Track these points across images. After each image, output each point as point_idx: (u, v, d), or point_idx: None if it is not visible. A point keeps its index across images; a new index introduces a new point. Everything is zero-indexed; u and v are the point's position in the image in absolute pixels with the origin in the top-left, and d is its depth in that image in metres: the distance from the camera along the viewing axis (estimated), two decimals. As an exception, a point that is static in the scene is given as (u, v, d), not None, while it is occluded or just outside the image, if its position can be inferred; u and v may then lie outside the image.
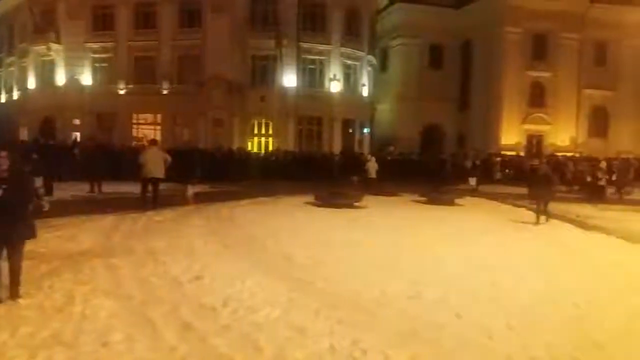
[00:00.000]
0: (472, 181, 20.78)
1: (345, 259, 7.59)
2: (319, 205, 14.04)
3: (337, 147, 30.17)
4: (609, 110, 36.23)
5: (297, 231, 9.95)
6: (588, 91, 35.49)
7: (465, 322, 4.89)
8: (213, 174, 20.21)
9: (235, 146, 27.24)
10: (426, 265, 7.29)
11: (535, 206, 12.05)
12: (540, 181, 11.94)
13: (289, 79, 29.61)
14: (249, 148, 28.62)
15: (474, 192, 19.18)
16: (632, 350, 4.35)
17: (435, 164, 26.53)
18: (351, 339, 4.34)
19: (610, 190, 18.45)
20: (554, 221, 12.05)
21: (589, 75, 35.30)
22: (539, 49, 34.49)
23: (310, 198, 14.88)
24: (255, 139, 30.15)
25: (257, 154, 27.44)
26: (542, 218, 11.77)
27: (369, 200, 14.95)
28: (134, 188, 13.74)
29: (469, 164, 23.35)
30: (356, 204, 14.29)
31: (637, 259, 8.27)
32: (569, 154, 30.50)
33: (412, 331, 4.61)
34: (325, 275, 6.55)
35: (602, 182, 17.94)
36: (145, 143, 18.72)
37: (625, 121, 35.88)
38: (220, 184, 19.36)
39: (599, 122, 36.35)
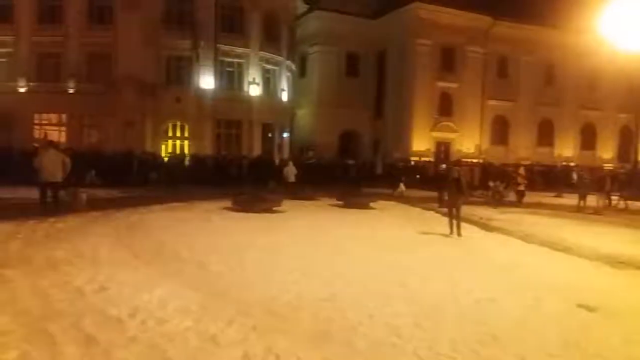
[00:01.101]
0: (402, 186, 21.52)
1: (262, 264, 7.55)
2: (236, 210, 13.86)
3: (257, 151, 30.00)
4: (509, 119, 39.14)
5: (213, 237, 9.74)
6: (491, 102, 38.09)
7: (376, 322, 5.05)
8: (112, 177, 19.33)
9: (148, 149, 26.18)
10: (341, 268, 7.43)
11: (447, 214, 11.27)
12: (451, 187, 11.18)
13: (206, 81, 28.97)
14: (163, 151, 27.62)
15: (400, 197, 19.90)
16: (524, 341, 4.69)
17: (342, 168, 27.05)
18: (265, 345, 4.33)
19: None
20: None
21: (492, 87, 37.91)
22: (448, 61, 36.49)
23: (227, 203, 14.65)
24: (170, 141, 29.13)
25: (170, 157, 26.48)
26: (456, 227, 10.89)
27: (288, 204, 15.00)
28: (32, 193, 12.70)
29: (379, 169, 24.21)
30: (275, 208, 14.28)
31: (532, 258, 8.99)
32: (474, 160, 32.55)
33: (326, 333, 4.68)
34: (241, 281, 6.47)
35: (522, 187, 19.20)
36: (38, 145, 17.31)
37: (522, 130, 39.00)
38: (131, 189, 18.52)
39: (501, 130, 39.13)
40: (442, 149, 36.58)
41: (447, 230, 10.94)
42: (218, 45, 29.09)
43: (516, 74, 38.72)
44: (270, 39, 31.43)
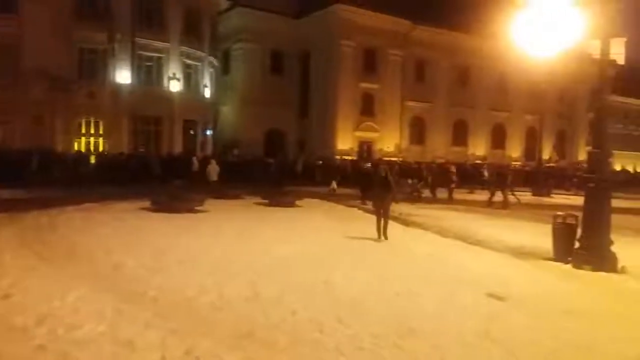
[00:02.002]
0: (334, 184, 21.66)
1: (182, 265, 7.33)
2: (154, 211, 13.36)
3: (177, 149, 29.08)
4: (426, 120, 40.89)
5: (130, 239, 9.33)
6: (410, 103, 39.59)
7: (299, 319, 5.07)
8: (9, 176, 18.05)
9: (58, 147, 24.54)
10: (265, 266, 7.40)
11: (375, 215, 10.51)
12: (378, 186, 10.39)
13: (123, 76, 27.61)
14: (75, 148, 25.98)
15: (332, 195, 20.06)
16: (441, 332, 4.92)
17: (262, 166, 26.90)
18: (185, 347, 4.21)
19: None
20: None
21: (411, 88, 39.40)
22: (370, 63, 37.41)
23: (144, 203, 14.09)
24: (83, 138, 27.47)
25: (75, 154, 24.72)
26: (383, 229, 10.23)
27: (210, 204, 14.69)
28: None
29: (299, 167, 24.31)
30: (197, 208, 13.93)
31: (448, 251, 9.45)
32: (394, 159, 33.64)
33: (248, 332, 4.64)
34: (159, 283, 6.24)
35: (453, 185, 20.13)
36: None
37: (439, 130, 40.94)
38: (33, 189, 17.30)
39: (418, 130, 40.81)
40: (365, 148, 37.48)
41: (370, 226, 11.05)
42: (136, 38, 27.82)
43: (433, 76, 40.50)
44: (192, 33, 30.58)
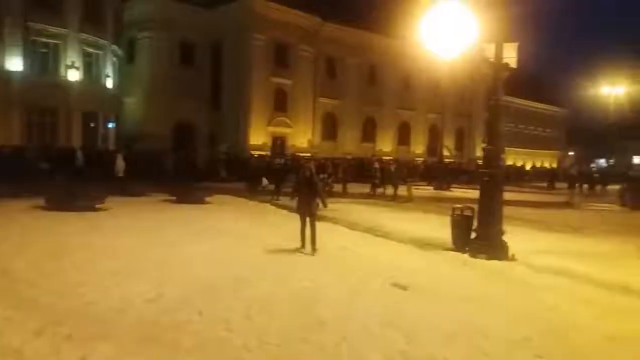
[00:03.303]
0: (264, 180, 21.02)
1: (80, 267, 6.87)
2: (51, 209, 12.40)
3: (77, 142, 27.15)
4: (338, 116, 41.74)
5: (21, 240, 8.59)
6: (322, 99, 40.16)
7: (206, 318, 4.96)
8: None
9: None
10: (171, 266, 7.15)
11: (299, 220, 8.84)
12: (302, 188, 8.82)
13: (14, 63, 25.25)
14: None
15: (263, 190, 19.56)
16: (348, 324, 5.04)
17: (161, 162, 25.79)
18: (81, 354, 3.96)
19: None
20: (291, 214, 13.19)
21: (322, 85, 39.97)
22: (282, 58, 37.36)
23: (39, 201, 13.02)
24: (-33, 131, 24.84)
25: None
26: (310, 240, 8.63)
27: (114, 201, 13.90)
28: None
29: (201, 162, 23.54)
30: (99, 206, 13.12)
31: (357, 243, 9.74)
32: (307, 155, 33.95)
33: (151, 335, 4.46)
34: (55, 288, 5.81)
35: (377, 180, 20.59)
36: None
37: (349, 126, 41.97)
38: None
39: (330, 126, 41.56)
40: (278, 144, 37.47)
41: (282, 220, 10.98)
42: (28, 22, 25.55)
43: (343, 74, 41.39)
44: (93, 20, 28.64)
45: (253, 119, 35.91)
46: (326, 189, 19.89)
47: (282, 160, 25.85)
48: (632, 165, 57.63)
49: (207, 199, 15.80)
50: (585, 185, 29.00)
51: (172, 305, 5.33)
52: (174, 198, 15.73)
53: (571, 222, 14.16)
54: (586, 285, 7.09)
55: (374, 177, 20.83)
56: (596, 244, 10.80)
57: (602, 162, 70.35)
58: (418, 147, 46.77)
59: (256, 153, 32.48)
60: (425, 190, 24.06)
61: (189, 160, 26.45)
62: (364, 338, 4.65)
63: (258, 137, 36.05)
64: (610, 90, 42.31)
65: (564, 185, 27.12)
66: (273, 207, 15.05)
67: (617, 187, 23.80)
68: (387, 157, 34.43)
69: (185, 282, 6.24)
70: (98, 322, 4.74)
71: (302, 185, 8.85)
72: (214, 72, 37.64)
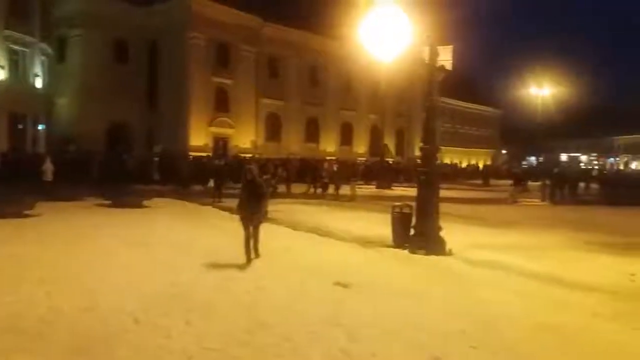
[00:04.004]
0: (211, 182, 20.36)
1: (7, 276, 6.46)
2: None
3: (2, 145, 25.50)
4: (281, 117, 41.64)
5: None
6: (264, 100, 39.91)
7: (143, 326, 4.79)
8: None
9: None
10: (105, 274, 6.84)
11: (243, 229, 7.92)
12: (245, 193, 7.90)
13: None
14: None
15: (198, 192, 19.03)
16: (289, 323, 5.03)
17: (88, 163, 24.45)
18: (4, 370, 3.71)
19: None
20: (234, 216, 13.00)
21: (265, 85, 39.73)
22: (222, 57, 36.83)
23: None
24: None
25: None
26: (253, 249, 7.96)
27: (44, 206, 13.16)
28: None
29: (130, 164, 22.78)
30: (26, 212, 12.38)
31: (300, 243, 9.75)
32: (249, 155, 33.61)
33: (84, 346, 4.25)
34: (-25, 300, 5.42)
35: (326, 180, 20.61)
36: None
37: (293, 127, 41.97)
38: None
39: (274, 127, 41.38)
40: (220, 144, 36.88)
41: (224, 222, 10.75)
42: (-56, 17, 23.80)
43: (286, 74, 41.36)
44: (19, 16, 27.01)
45: (193, 119, 35.15)
46: (269, 189, 19.92)
47: (222, 161, 25.43)
48: (559, 163, 61.38)
49: (145, 202, 15.30)
50: (522, 182, 30.41)
51: (107, 314, 5.11)
52: (109, 202, 15.11)
53: (504, 217, 14.87)
54: (518, 277, 7.45)
55: (323, 178, 20.96)
56: (527, 237, 11.40)
57: (532, 160, 74.50)
58: (360, 147, 47.46)
59: (196, 154, 31.77)
60: (368, 189, 24.44)
61: (119, 163, 25.10)
62: (305, 338, 4.66)
63: (199, 138, 35.33)
64: (538, 92, 44.81)
65: (498, 182, 28.41)
66: (215, 210, 14.80)
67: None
68: (330, 157, 34.75)
69: (121, 290, 6.00)
70: (25, 334, 4.47)
71: (244, 189, 7.88)
72: (150, 72, 36.54)
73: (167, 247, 8.94)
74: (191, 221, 12.54)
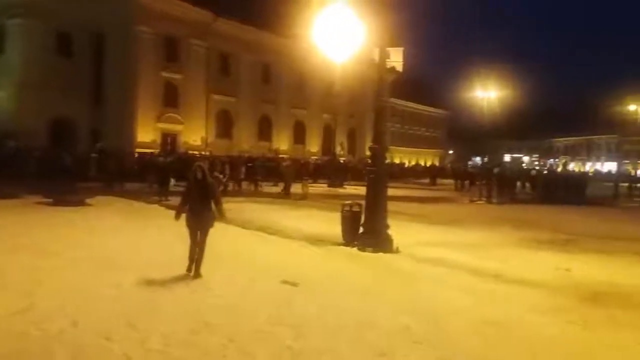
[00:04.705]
0: (173, 181, 19.48)
1: None
2: None
3: None
4: (233, 114, 41.07)
5: None
6: (215, 96, 39.18)
7: (82, 329, 4.62)
8: None
9: None
10: (43, 275, 6.52)
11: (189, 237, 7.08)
12: (193, 194, 6.99)
13: None
14: None
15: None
16: (235, 323, 4.98)
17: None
18: None
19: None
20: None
21: (216, 81, 39.00)
22: (171, 52, 35.82)
23: None
24: None
25: None
26: (196, 260, 6.96)
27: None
28: None
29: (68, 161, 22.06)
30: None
31: (249, 242, 9.70)
32: (199, 153, 32.97)
33: (19, 348, 4.08)
34: None
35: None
36: None
37: (245, 124, 41.49)
38: None
39: (225, 124, 40.73)
40: (169, 141, 35.97)
41: (170, 222, 10.41)
42: None
43: (238, 71, 40.80)
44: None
45: (140, 114, 34.07)
46: (220, 188, 19.62)
47: (168, 158, 24.72)
48: (500, 163, 63.80)
49: (88, 200, 14.73)
50: (467, 182, 31.46)
51: (44, 316, 4.88)
52: (50, 200, 14.44)
53: (449, 216, 15.33)
54: (463, 274, 7.71)
55: (282, 175, 20.88)
56: (471, 235, 11.81)
57: (477, 160, 77.09)
58: (313, 146, 47.57)
59: (143, 150, 30.86)
60: (320, 187, 24.56)
61: (56, 159, 23.89)
62: (251, 337, 4.63)
63: (146, 134, 34.30)
64: (483, 94, 46.40)
65: (444, 181, 29.19)
66: (161, 208, 14.41)
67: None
68: (282, 155, 34.70)
69: (60, 291, 5.75)
70: (-49, 341, 4.21)
71: (192, 189, 6.95)
72: (95, 65, 35.02)
73: (109, 248, 8.63)
74: (135, 220, 12.18)
